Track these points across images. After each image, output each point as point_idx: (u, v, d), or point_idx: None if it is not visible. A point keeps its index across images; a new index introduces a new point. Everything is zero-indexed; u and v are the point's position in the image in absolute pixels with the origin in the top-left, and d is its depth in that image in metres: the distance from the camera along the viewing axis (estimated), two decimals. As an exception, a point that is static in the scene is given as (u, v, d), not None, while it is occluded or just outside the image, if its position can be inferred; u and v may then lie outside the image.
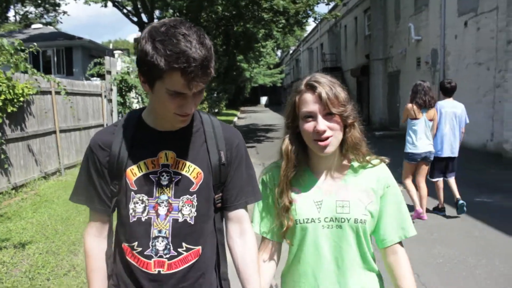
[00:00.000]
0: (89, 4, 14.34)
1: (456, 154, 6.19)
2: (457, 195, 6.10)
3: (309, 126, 1.52)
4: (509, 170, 9.72)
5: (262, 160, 11.19)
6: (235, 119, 31.32)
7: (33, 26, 26.51)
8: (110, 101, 11.94)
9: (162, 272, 1.46)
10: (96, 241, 1.54)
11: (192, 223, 1.48)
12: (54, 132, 8.94)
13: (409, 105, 5.86)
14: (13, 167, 7.36)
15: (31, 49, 4.80)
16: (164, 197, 1.46)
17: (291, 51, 57.42)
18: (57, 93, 8.74)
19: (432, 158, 5.99)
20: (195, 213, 1.48)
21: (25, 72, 4.50)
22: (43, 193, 7.38)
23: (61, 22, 24.61)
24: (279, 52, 63.40)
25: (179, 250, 1.48)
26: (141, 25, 20.30)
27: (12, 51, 3.71)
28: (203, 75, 1.30)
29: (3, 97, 6.38)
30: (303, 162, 1.63)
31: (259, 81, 48.90)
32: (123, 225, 1.50)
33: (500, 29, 11.25)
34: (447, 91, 6.23)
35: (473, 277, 4.12)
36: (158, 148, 1.48)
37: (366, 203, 1.57)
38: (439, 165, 6.21)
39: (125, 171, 1.46)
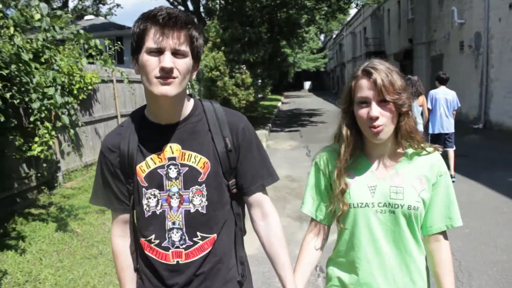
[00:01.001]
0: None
1: (450, 131, 7.50)
2: (452, 171, 7.09)
3: (363, 112, 1.53)
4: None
5: (305, 143, 11.80)
6: (279, 104, 31.89)
7: (86, 17, 27.89)
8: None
9: (180, 262, 1.51)
10: (121, 241, 1.61)
11: (204, 212, 1.51)
12: (116, 116, 9.87)
13: None
14: (84, 147, 8.32)
15: (116, 47, 5.59)
16: (174, 189, 1.50)
17: (334, 36, 56.96)
18: (118, 81, 9.65)
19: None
20: (206, 202, 1.51)
21: (92, 63, 5.28)
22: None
23: (115, 15, 25.91)
24: (322, 37, 63.10)
25: (194, 239, 1.51)
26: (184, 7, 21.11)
27: (102, 48, 4.49)
28: (178, 29, 1.36)
29: (77, 86, 7.28)
30: (358, 148, 1.65)
31: (303, 66, 49.07)
32: (139, 221, 1.56)
33: (543, 12, 11.30)
34: (442, 80, 7.73)
35: (495, 245, 4.62)
36: (162, 142, 1.50)
37: (419, 190, 1.59)
38: (437, 140, 7.37)
39: (136, 168, 1.50)
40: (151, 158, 1.49)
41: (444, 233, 1.65)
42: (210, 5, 19.76)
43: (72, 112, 4.61)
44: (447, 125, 7.57)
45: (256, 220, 1.63)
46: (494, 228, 5.05)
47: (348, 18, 45.64)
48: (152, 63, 1.34)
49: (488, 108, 14.79)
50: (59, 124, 5.33)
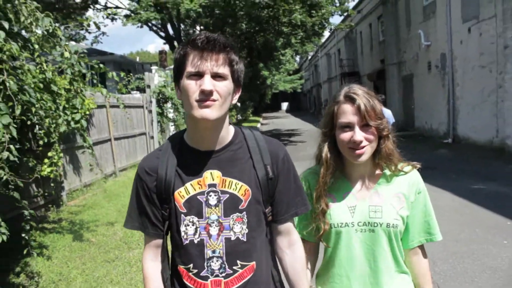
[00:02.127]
0: (125, 25, 15.98)
1: None
2: None
3: (346, 135, 1.60)
4: (509, 163, 10.82)
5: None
6: (259, 125, 32.68)
7: (70, 43, 28.37)
8: (150, 111, 13.52)
9: None
10: (153, 265, 1.58)
11: (245, 240, 1.50)
12: (110, 140, 10.49)
13: None
14: (82, 169, 8.91)
15: (128, 78, 6.27)
16: (214, 217, 1.48)
17: (309, 57, 58.47)
18: (112, 106, 10.29)
19: None
20: (247, 229, 1.50)
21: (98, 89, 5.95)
22: (109, 190, 8.94)
23: (101, 42, 26.42)
24: (298, 58, 64.61)
25: (234, 268, 1.50)
26: (168, 39, 21.93)
27: (118, 79, 5.19)
28: (217, 52, 1.38)
29: (81, 111, 7.92)
30: (338, 169, 1.71)
31: (280, 87, 50.07)
32: (177, 248, 1.54)
33: (499, 34, 12.39)
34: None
35: (456, 240, 5.39)
36: (202, 168, 1.50)
37: (398, 208, 1.66)
38: None
39: (173, 194, 1.49)
40: (190, 184, 1.49)
41: (422, 247, 1.75)
42: (190, 31, 20.57)
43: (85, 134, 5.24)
44: None
45: (282, 248, 1.64)
46: (456, 227, 5.84)
47: (323, 40, 47.15)
48: (192, 86, 1.37)
49: (456, 124, 15.80)
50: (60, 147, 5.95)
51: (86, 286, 4.26)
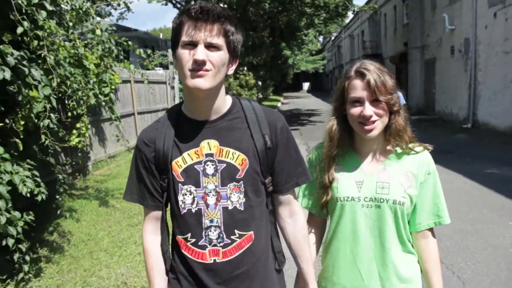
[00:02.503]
0: (150, 2, 16.24)
1: None
2: None
3: (355, 110, 1.59)
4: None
5: (305, 140, 12.80)
6: (279, 104, 32.87)
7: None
8: (172, 87, 13.85)
9: (217, 261, 1.50)
10: (153, 239, 1.60)
11: (242, 209, 1.51)
12: (133, 114, 10.86)
13: None
14: (107, 141, 9.31)
15: (154, 55, 6.56)
16: (211, 186, 1.49)
17: (332, 38, 58.00)
18: (136, 82, 10.64)
19: None
20: (244, 199, 1.51)
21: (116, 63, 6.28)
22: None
23: (127, 19, 26.84)
24: (321, 38, 64.10)
25: (232, 237, 1.51)
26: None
27: (145, 56, 5.48)
28: (211, 22, 1.37)
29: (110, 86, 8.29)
30: (347, 144, 1.70)
31: (302, 68, 50.05)
32: (175, 218, 1.55)
33: (524, 20, 12.30)
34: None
35: (462, 218, 5.61)
36: (200, 138, 1.50)
37: (406, 186, 1.64)
38: None
39: (171, 164, 1.49)
40: (188, 154, 1.49)
41: (431, 230, 1.71)
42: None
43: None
44: None
45: (284, 217, 1.66)
46: (464, 208, 6.05)
47: (347, 21, 46.68)
48: (185, 56, 1.37)
49: (476, 109, 15.76)
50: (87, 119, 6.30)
51: (112, 245, 4.63)
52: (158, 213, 1.58)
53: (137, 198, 1.57)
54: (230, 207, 1.49)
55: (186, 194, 1.49)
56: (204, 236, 1.49)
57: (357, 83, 1.59)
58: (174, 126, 1.53)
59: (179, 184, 1.49)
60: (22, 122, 3.44)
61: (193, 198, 1.49)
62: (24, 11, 3.18)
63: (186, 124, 1.52)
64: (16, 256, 3.23)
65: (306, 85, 70.48)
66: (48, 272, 3.93)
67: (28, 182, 3.13)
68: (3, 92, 3.32)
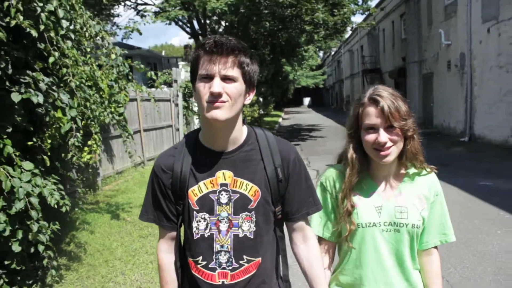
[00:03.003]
0: (154, 22, 16.73)
1: None
2: None
3: (371, 137, 1.62)
4: (520, 161, 11.20)
5: (306, 155, 13.14)
6: (280, 120, 33.27)
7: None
8: (176, 105, 14.25)
9: (226, 283, 1.57)
10: (167, 256, 1.67)
11: (252, 237, 1.57)
12: (139, 131, 11.24)
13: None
14: (115, 157, 9.69)
15: (164, 71, 6.98)
16: (224, 214, 1.55)
17: (332, 53, 58.70)
18: (142, 100, 11.05)
19: None
20: (254, 228, 1.57)
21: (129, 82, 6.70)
22: (138, 177, 9.69)
23: (131, 38, 27.49)
24: (321, 54, 64.80)
25: (241, 262, 1.57)
26: (193, 34, 22.66)
27: (155, 78, 5.90)
28: (226, 55, 1.44)
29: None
30: (363, 169, 1.73)
31: (302, 83, 50.45)
32: (188, 242, 1.62)
33: (516, 36, 12.73)
34: None
35: (455, 230, 5.92)
36: (216, 168, 1.56)
37: (420, 209, 1.70)
38: None
39: (187, 191, 1.56)
40: (204, 183, 1.56)
41: (435, 248, 1.78)
42: (215, 27, 21.25)
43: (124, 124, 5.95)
44: None
45: (297, 243, 1.70)
46: (457, 218, 6.36)
47: (346, 36, 47.16)
48: (202, 89, 1.44)
49: (473, 123, 16.11)
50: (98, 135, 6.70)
51: (126, 254, 4.97)
52: (173, 234, 1.66)
53: (153, 218, 1.65)
54: (240, 235, 1.56)
55: (200, 221, 1.56)
56: (214, 260, 1.56)
57: (371, 110, 1.62)
58: (191, 154, 1.59)
59: (194, 212, 1.56)
60: (49, 141, 3.81)
61: (207, 224, 1.56)
62: (54, 42, 3.57)
63: (203, 153, 1.58)
64: (45, 261, 3.57)
65: (306, 100, 71.04)
66: (68, 278, 4.27)
67: (55, 195, 3.49)
68: (32, 114, 3.70)
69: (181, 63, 17.69)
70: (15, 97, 3.25)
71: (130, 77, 6.35)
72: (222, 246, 1.56)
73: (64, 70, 3.57)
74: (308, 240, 1.70)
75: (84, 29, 4.26)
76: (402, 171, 1.75)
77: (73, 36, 3.70)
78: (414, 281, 1.73)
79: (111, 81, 5.16)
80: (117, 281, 4.26)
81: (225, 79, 1.43)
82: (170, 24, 16.98)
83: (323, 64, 65.95)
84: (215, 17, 18.45)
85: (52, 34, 3.37)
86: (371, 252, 1.70)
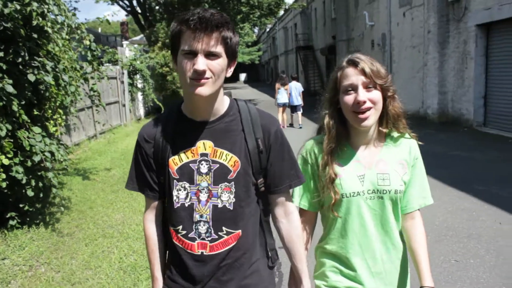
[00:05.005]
0: (97, 2, 17.24)
1: (299, 103, 14.72)
2: (300, 122, 14.24)
3: (349, 98, 1.62)
4: (427, 128, 13.09)
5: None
6: (218, 95, 34.22)
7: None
8: (122, 82, 15.10)
9: (205, 253, 1.59)
10: (153, 225, 1.71)
11: (231, 208, 1.57)
12: (91, 107, 12.08)
13: (277, 84, 15.02)
14: (72, 131, 10.57)
15: (109, 54, 7.94)
16: (204, 184, 1.57)
17: (268, 29, 59.95)
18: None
19: (287, 105, 14.79)
20: (234, 199, 1.57)
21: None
22: (95, 148, 10.67)
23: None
24: (256, 30, 65.85)
25: (220, 233, 1.58)
26: (133, 12, 23.18)
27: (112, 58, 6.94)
28: (209, 32, 1.42)
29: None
30: (343, 138, 1.72)
31: (238, 59, 51.44)
32: (169, 211, 1.65)
33: (425, 20, 14.60)
34: (294, 78, 15.33)
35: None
36: (196, 138, 1.57)
37: (401, 174, 1.70)
38: (293, 107, 14.78)
39: (168, 160, 1.58)
40: (184, 153, 1.57)
41: (418, 211, 1.77)
42: (155, 7, 21.87)
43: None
44: (297, 101, 14.64)
45: (279, 217, 1.71)
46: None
47: (281, 13, 48.46)
48: (186, 65, 1.44)
49: (392, 96, 18.12)
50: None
51: (105, 202, 6.16)
52: (156, 203, 1.70)
53: (138, 188, 1.69)
54: (219, 205, 1.56)
55: (180, 190, 1.58)
56: (194, 229, 1.58)
57: (351, 70, 1.62)
58: (173, 124, 1.61)
59: (174, 181, 1.58)
60: (49, 111, 4.88)
61: (187, 193, 1.57)
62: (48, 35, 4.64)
63: (184, 124, 1.59)
64: (57, 200, 4.68)
65: (243, 76, 71.96)
66: (64, 220, 5.37)
67: (60, 151, 4.62)
68: (36, 91, 4.75)
69: (125, 42, 18.35)
70: (31, 77, 4.33)
71: (88, 57, 7.36)
72: (201, 216, 1.57)
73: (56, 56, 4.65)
74: (290, 215, 1.71)
75: (67, 21, 5.28)
76: (382, 137, 1.75)
77: (65, 30, 4.77)
78: (398, 243, 1.75)
79: (82, 62, 6.20)
80: (104, 220, 5.43)
81: (209, 55, 1.43)
82: (113, 4, 17.53)
83: (258, 40, 67.11)
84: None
85: (49, 29, 4.46)
86: (356, 220, 1.70)
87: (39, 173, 4.69)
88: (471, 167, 7.95)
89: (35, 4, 4.12)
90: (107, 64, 17.44)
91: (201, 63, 1.41)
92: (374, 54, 13.58)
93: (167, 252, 1.74)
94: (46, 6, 4.34)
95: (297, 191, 1.81)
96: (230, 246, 1.60)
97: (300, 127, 14.29)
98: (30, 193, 4.62)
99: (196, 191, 1.57)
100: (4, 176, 4.19)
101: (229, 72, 1.58)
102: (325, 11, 29.19)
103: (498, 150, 9.32)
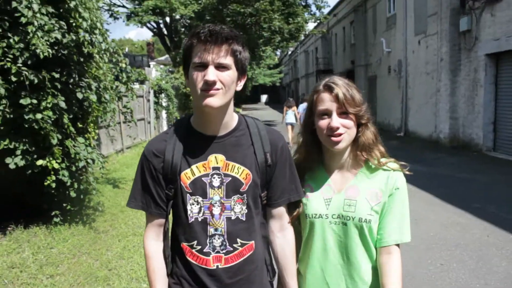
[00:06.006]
0: (127, 25, 18.34)
1: None
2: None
3: (323, 123, 1.63)
4: (438, 152, 13.60)
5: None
6: (238, 116, 35.00)
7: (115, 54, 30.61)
8: (148, 100, 16.01)
9: (220, 267, 1.60)
10: (154, 244, 1.68)
11: (244, 219, 1.61)
12: (119, 123, 12.97)
13: (285, 107, 16.37)
14: (102, 144, 11.42)
15: (136, 74, 8.81)
16: (216, 197, 1.58)
17: (289, 52, 60.97)
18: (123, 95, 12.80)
19: (294, 125, 15.66)
20: (246, 210, 1.60)
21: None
22: (122, 161, 11.49)
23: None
24: (278, 52, 66.91)
25: (234, 245, 1.60)
26: (159, 35, 24.29)
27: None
28: (219, 44, 1.47)
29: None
30: (316, 160, 1.75)
31: (260, 81, 52.53)
32: (181, 226, 1.64)
33: (438, 48, 15.22)
34: (304, 100, 16.43)
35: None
36: (208, 152, 1.59)
37: (373, 204, 1.65)
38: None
39: (180, 175, 1.58)
40: (196, 167, 1.58)
41: (396, 247, 1.65)
42: (181, 30, 22.95)
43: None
44: None
45: (274, 231, 1.73)
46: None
47: (301, 38, 49.30)
48: (197, 77, 1.47)
49: (407, 120, 18.67)
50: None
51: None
52: (161, 221, 1.66)
53: (141, 205, 1.65)
54: (233, 217, 1.59)
55: (193, 204, 1.58)
56: (208, 243, 1.59)
57: (325, 96, 1.63)
58: (183, 138, 1.61)
59: (188, 195, 1.58)
60: (92, 124, 5.67)
61: (200, 208, 1.58)
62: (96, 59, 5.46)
63: (195, 138, 1.61)
64: (94, 202, 5.41)
65: (264, 97, 73.04)
66: (98, 220, 6.11)
67: (100, 159, 5.38)
68: (81, 107, 5.54)
69: (151, 63, 19.37)
70: (79, 95, 5.13)
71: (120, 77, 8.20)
72: (216, 230, 1.58)
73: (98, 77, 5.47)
74: (285, 230, 1.73)
75: (107, 46, 6.10)
76: (358, 163, 1.72)
77: (107, 55, 5.59)
78: (367, 277, 1.68)
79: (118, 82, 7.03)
80: (134, 221, 6.14)
81: (219, 67, 1.47)
82: (142, 27, 18.62)
83: (280, 63, 68.17)
84: (181, 20, 20.18)
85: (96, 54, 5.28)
86: (318, 242, 1.71)
87: (81, 178, 5.45)
88: (473, 188, 8.46)
89: (86, 35, 4.94)
90: (135, 83, 18.56)
91: (212, 73, 1.46)
92: (390, 80, 14.54)
93: (175, 270, 1.70)
94: (94, 36, 5.16)
95: None
96: (244, 257, 1.62)
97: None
98: (73, 194, 5.37)
99: (209, 205, 1.58)
100: (54, 178, 4.96)
101: (239, 86, 1.61)
102: (345, 36, 29.94)
103: (502, 173, 9.79)
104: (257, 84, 57.07)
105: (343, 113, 1.62)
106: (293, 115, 16.22)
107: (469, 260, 4.82)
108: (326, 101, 1.63)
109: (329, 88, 1.63)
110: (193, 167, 1.58)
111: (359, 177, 1.70)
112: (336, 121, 1.60)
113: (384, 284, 1.60)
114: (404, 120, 18.89)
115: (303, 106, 16.34)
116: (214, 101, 1.48)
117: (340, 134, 1.61)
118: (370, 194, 1.66)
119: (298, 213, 1.73)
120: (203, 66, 1.47)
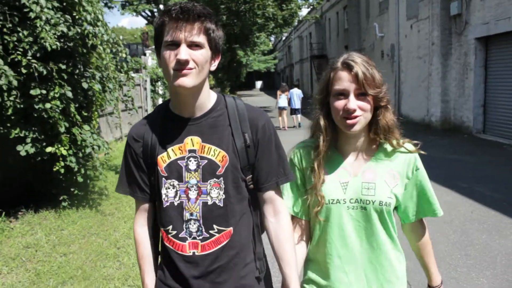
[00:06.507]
0: (123, 14, 18.48)
1: (298, 107, 17.34)
2: (299, 121, 16.50)
3: (340, 103, 1.53)
4: (429, 135, 13.93)
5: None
6: (234, 102, 35.23)
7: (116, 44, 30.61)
8: (145, 89, 16.24)
9: (196, 254, 1.55)
10: (143, 229, 1.67)
11: (221, 205, 1.54)
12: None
13: (278, 91, 17.56)
14: (101, 132, 11.69)
15: (132, 63, 9.07)
16: (193, 181, 1.53)
17: (284, 38, 60.94)
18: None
19: (286, 109, 17.19)
20: (224, 195, 1.54)
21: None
22: (121, 148, 11.75)
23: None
24: (272, 38, 66.86)
25: (211, 232, 1.55)
26: (152, 21, 24.41)
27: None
28: (192, 22, 1.41)
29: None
30: (331, 143, 1.63)
31: (254, 67, 52.41)
32: (159, 211, 1.62)
33: (430, 32, 15.48)
34: (295, 86, 18.23)
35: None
36: (184, 134, 1.55)
37: (392, 185, 1.59)
38: (292, 111, 17.06)
39: (157, 158, 1.55)
40: (172, 150, 1.54)
41: (421, 221, 1.72)
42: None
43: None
44: (296, 105, 17.23)
45: (267, 216, 1.64)
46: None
47: (296, 23, 49.37)
48: (169, 56, 1.42)
49: (400, 104, 18.98)
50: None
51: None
52: (147, 206, 1.65)
53: (128, 190, 1.64)
54: (209, 202, 1.54)
55: (169, 188, 1.55)
56: (184, 229, 1.55)
57: (343, 74, 1.53)
58: (161, 122, 1.59)
59: (163, 179, 1.55)
60: (96, 113, 5.95)
61: (176, 191, 1.55)
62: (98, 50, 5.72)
63: (172, 121, 1.57)
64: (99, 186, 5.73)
65: (258, 84, 73.19)
66: (104, 204, 6.43)
67: (105, 146, 5.67)
68: (86, 96, 5.81)
69: (147, 51, 19.54)
70: (85, 85, 5.40)
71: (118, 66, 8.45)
72: (191, 214, 1.54)
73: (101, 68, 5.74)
74: (278, 214, 1.63)
75: (108, 37, 6.35)
76: (374, 146, 1.66)
77: (109, 45, 5.86)
78: (389, 263, 1.64)
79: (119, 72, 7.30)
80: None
81: (192, 45, 1.43)
82: (137, 16, 18.77)
83: (274, 49, 68.08)
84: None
85: (99, 46, 5.54)
86: (335, 230, 1.62)
87: (87, 163, 5.74)
88: (462, 169, 8.83)
89: (90, 28, 5.20)
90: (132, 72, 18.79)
91: (184, 52, 1.40)
92: (383, 64, 14.86)
93: (159, 256, 1.70)
94: (97, 28, 5.42)
95: (286, 197, 1.72)
96: (222, 244, 1.56)
97: (300, 126, 16.94)
98: (80, 179, 5.68)
99: (185, 188, 1.54)
100: (62, 163, 5.25)
101: (213, 66, 1.56)
102: (339, 21, 30.15)
103: (490, 154, 10.16)
104: (251, 70, 56.94)
105: (361, 94, 1.52)
106: (285, 99, 16.84)
107: (452, 234, 5.17)
108: (344, 81, 1.53)
109: (348, 66, 1.53)
110: (169, 150, 1.55)
111: (375, 160, 1.64)
112: (353, 102, 1.51)
113: (422, 254, 1.77)
114: (397, 104, 19.17)
115: (295, 91, 17.34)
116: (187, 81, 1.43)
117: (356, 117, 1.52)
118: (388, 176, 1.61)
119: (322, 204, 1.62)
120: (175, 45, 1.42)
